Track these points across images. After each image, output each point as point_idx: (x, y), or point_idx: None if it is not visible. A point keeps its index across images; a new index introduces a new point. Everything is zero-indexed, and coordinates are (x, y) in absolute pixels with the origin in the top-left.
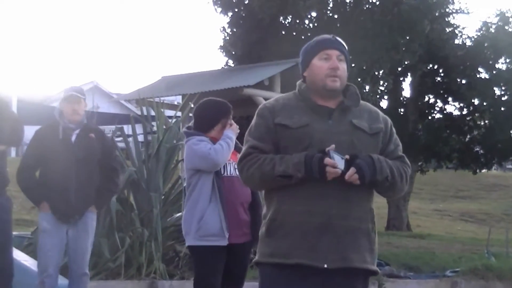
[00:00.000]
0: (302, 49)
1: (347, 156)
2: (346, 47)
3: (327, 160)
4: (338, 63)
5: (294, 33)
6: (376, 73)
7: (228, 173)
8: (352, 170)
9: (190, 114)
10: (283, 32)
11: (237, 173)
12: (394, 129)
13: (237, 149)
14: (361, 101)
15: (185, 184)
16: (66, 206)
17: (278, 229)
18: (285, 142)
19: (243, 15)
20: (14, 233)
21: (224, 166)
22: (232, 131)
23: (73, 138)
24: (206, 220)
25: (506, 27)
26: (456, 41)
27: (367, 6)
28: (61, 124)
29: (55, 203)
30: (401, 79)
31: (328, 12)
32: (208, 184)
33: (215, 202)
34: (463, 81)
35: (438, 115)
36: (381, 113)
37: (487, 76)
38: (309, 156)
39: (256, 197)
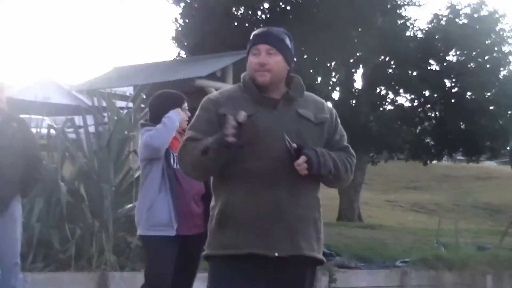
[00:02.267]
0: None
1: (295, 145)
2: (285, 38)
3: (228, 116)
4: (269, 57)
5: (247, 24)
6: (329, 64)
7: (177, 165)
8: (302, 158)
9: (142, 105)
10: (236, 23)
11: None
12: (339, 120)
13: None
14: (307, 92)
15: (137, 175)
16: None
17: (228, 221)
18: None
19: (196, 6)
20: None
21: (173, 158)
22: (175, 112)
23: None
24: (155, 209)
25: (457, 20)
26: (408, 33)
27: None
28: None
29: None
30: (353, 70)
31: (281, 3)
32: (158, 174)
33: (164, 192)
34: (414, 73)
35: (389, 107)
36: (326, 104)
37: (438, 68)
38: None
39: (208, 187)
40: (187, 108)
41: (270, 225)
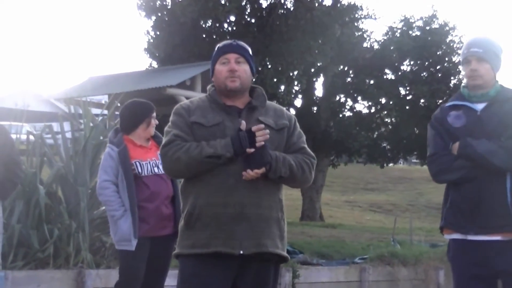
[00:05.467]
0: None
1: (262, 142)
2: (249, 50)
3: (254, 127)
4: (237, 65)
5: (214, 36)
6: (291, 74)
7: (146, 172)
8: (262, 169)
9: (117, 112)
10: (204, 35)
11: (156, 170)
12: (297, 124)
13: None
14: (267, 101)
15: None
16: None
17: (196, 222)
18: (200, 139)
19: (166, 19)
20: None
21: (141, 166)
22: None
23: None
24: (119, 226)
25: (410, 32)
26: (365, 45)
27: (281, 11)
28: None
29: None
30: (314, 79)
31: (246, 16)
32: (122, 191)
33: (127, 209)
34: (371, 82)
35: (348, 113)
36: (285, 110)
37: (393, 77)
38: (234, 135)
39: (176, 190)
40: (155, 116)
41: (235, 226)
